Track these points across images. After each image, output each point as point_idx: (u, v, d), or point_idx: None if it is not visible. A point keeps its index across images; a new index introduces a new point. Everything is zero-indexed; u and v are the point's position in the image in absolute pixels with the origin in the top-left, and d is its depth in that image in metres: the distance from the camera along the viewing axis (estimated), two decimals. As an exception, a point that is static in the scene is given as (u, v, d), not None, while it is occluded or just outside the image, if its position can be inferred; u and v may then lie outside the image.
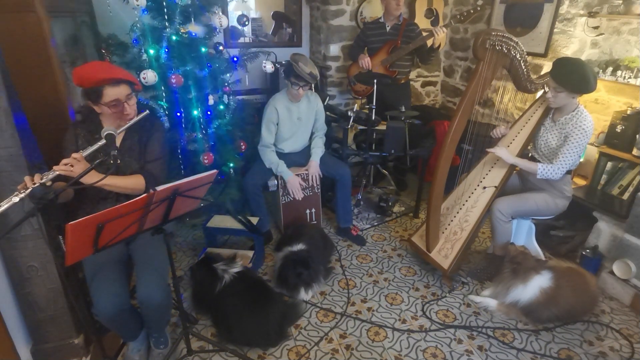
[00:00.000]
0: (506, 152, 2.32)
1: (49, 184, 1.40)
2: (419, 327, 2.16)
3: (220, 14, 2.59)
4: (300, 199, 2.78)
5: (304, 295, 2.32)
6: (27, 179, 1.37)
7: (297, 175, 2.75)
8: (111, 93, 1.63)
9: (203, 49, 2.54)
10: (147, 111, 1.71)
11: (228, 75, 2.74)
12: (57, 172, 1.42)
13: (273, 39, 4.25)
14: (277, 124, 2.72)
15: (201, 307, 2.18)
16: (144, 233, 1.50)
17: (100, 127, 1.69)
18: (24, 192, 1.33)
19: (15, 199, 1.30)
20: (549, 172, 2.19)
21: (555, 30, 3.00)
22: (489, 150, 2.36)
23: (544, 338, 2.09)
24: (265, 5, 4.14)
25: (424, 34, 3.09)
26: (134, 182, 1.75)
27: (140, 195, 1.32)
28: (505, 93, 2.53)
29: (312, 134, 2.91)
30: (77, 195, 1.73)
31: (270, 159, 2.70)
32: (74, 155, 1.47)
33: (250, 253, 2.52)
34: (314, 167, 2.76)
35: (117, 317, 1.66)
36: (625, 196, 2.57)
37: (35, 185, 1.35)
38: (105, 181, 1.58)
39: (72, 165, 1.45)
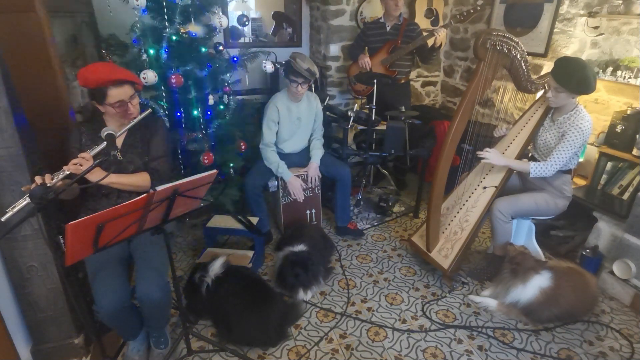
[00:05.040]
0: (495, 155, 2.27)
1: (60, 183, 1.43)
2: (419, 327, 2.16)
3: (220, 14, 2.59)
4: (301, 200, 2.78)
5: (304, 295, 2.32)
6: (37, 178, 1.39)
7: (297, 176, 2.75)
8: (115, 94, 1.67)
9: (203, 49, 2.54)
10: (150, 110, 1.74)
11: (228, 75, 2.74)
12: (68, 172, 1.46)
13: (273, 39, 4.25)
14: (278, 123, 2.72)
15: (200, 315, 2.19)
16: (144, 233, 1.50)
17: (104, 125, 1.71)
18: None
19: (29, 199, 1.32)
20: (541, 170, 2.19)
21: (555, 30, 3.00)
22: (479, 154, 2.31)
23: (544, 338, 2.09)
24: (265, 5, 4.14)
25: (424, 33, 3.09)
26: (140, 179, 1.80)
27: (145, 192, 1.33)
28: (506, 93, 2.53)
29: (310, 135, 2.91)
30: (81, 192, 1.78)
31: (271, 158, 2.70)
32: (83, 155, 1.51)
33: (250, 253, 2.52)
34: (313, 169, 2.76)
35: (118, 315, 1.67)
36: (625, 196, 2.57)
37: (49, 185, 1.38)
38: (112, 179, 1.66)
39: (81, 165, 1.49)
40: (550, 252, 2.76)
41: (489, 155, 2.26)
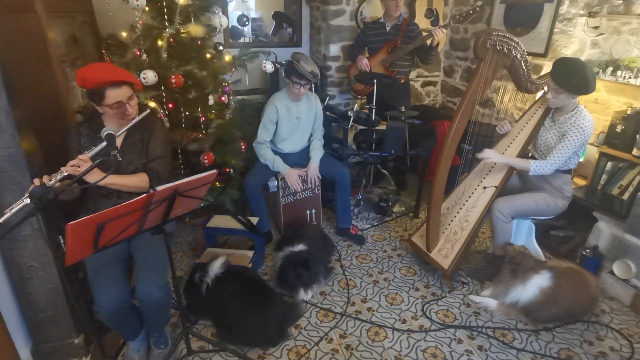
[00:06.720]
0: (494, 153, 2.29)
1: (58, 184, 1.43)
2: (419, 327, 2.16)
3: (220, 14, 2.59)
4: (299, 190, 2.77)
5: (304, 295, 2.32)
6: (36, 180, 1.39)
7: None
8: (113, 95, 1.66)
9: (203, 49, 2.54)
10: (149, 110, 1.74)
11: (228, 75, 2.74)
12: (65, 173, 1.46)
13: (273, 39, 4.26)
14: (277, 123, 2.72)
15: (200, 315, 2.19)
16: (144, 233, 1.50)
17: (103, 126, 1.71)
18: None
19: (27, 200, 1.32)
20: (540, 168, 2.19)
21: (555, 30, 3.00)
22: (478, 155, 2.32)
23: (544, 338, 2.10)
24: (265, 5, 4.14)
25: (424, 34, 3.09)
26: (138, 180, 1.79)
27: (144, 193, 1.33)
28: (506, 93, 2.53)
29: (310, 135, 2.91)
30: (81, 192, 1.78)
31: (265, 155, 2.70)
32: (80, 156, 1.51)
33: (250, 253, 2.52)
34: (313, 170, 2.76)
35: (118, 315, 1.68)
36: (625, 196, 2.57)
37: (47, 185, 1.37)
38: (110, 180, 1.65)
39: (78, 166, 1.49)
40: (550, 252, 2.76)
41: (488, 153, 2.27)
